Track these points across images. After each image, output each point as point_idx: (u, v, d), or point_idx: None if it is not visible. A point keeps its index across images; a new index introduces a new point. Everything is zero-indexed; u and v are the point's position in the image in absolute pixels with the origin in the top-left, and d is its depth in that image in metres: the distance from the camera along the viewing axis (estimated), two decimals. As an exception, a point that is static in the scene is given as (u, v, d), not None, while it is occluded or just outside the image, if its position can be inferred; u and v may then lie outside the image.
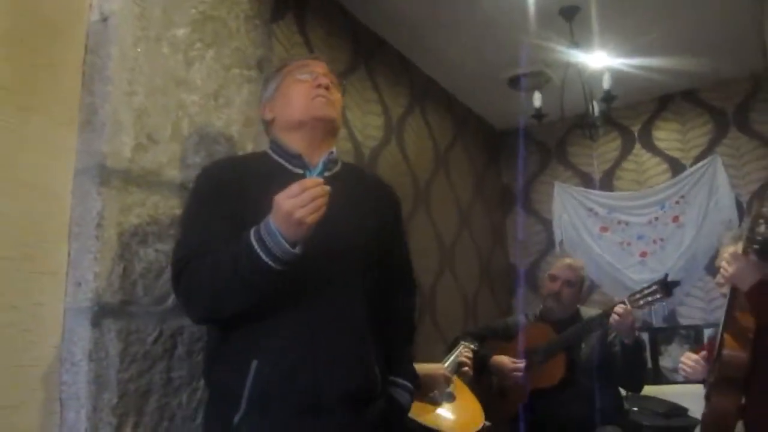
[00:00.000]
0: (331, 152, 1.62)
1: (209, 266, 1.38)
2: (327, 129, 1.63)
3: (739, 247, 2.13)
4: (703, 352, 2.38)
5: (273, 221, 1.29)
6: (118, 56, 1.72)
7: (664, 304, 3.08)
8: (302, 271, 1.38)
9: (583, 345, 2.82)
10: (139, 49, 1.78)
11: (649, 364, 4.30)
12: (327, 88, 1.63)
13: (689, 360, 2.37)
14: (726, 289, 2.23)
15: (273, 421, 1.39)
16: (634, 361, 2.69)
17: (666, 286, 2.60)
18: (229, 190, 1.49)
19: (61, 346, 1.56)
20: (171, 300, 1.71)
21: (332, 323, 1.45)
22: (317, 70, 1.67)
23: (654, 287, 2.61)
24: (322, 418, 1.39)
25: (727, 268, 2.11)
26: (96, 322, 1.54)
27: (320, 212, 1.29)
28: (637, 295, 2.65)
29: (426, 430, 2.13)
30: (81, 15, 1.77)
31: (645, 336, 4.29)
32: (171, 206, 1.78)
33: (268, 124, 1.72)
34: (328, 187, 1.31)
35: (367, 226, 1.58)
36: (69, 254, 1.61)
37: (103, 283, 1.56)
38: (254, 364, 1.38)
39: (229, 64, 2.08)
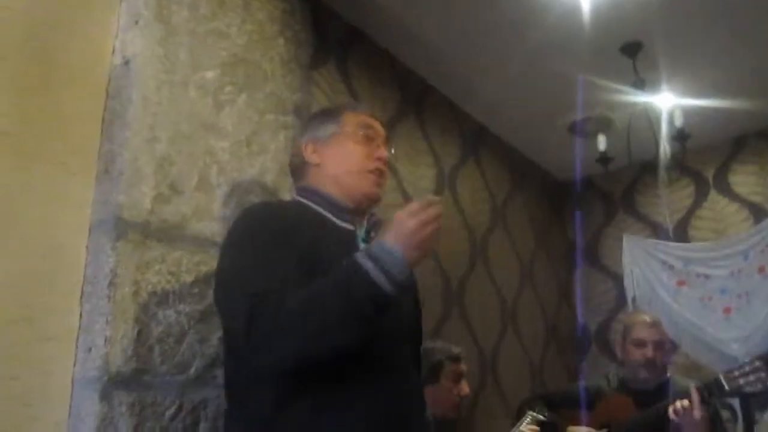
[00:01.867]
0: (372, 214, 1.49)
1: (303, 301, 1.16)
2: (370, 204, 1.51)
3: None
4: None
5: (391, 240, 1.15)
6: (139, 100, 1.60)
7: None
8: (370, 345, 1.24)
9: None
10: (162, 93, 1.65)
11: (742, 434, 3.86)
12: (384, 163, 1.51)
13: None
14: None
15: None
16: None
17: None
18: (286, 233, 1.29)
19: (68, 422, 1.37)
20: (194, 369, 1.52)
21: (404, 405, 1.31)
22: (379, 134, 1.53)
23: (758, 364, 2.16)
24: None
25: None
26: (105, 394, 1.35)
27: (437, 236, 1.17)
28: (736, 373, 2.18)
29: None
30: (103, 60, 1.66)
31: (735, 402, 3.86)
32: (196, 262, 1.60)
33: (307, 166, 1.52)
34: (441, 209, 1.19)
35: (411, 297, 1.46)
36: (81, 317, 1.45)
37: (114, 349, 1.38)
38: None
39: (263, 108, 1.93)
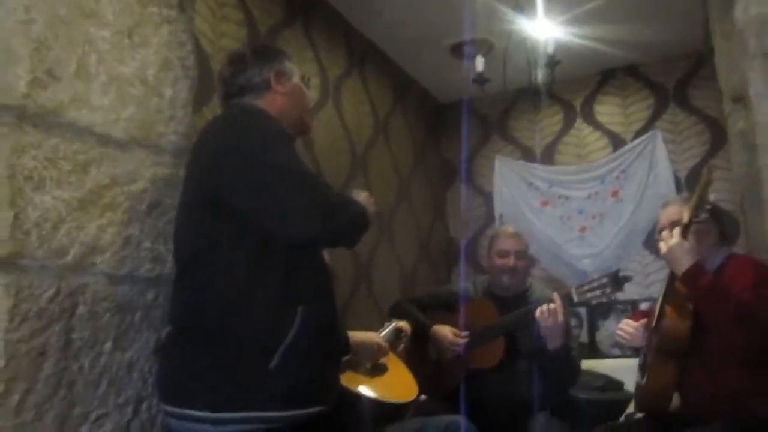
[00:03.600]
0: None
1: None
2: (303, 136, 2.02)
3: (684, 215, 2.06)
4: (643, 320, 2.32)
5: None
6: (13, -22, 1.52)
7: (613, 298, 2.82)
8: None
9: (526, 329, 2.67)
10: (38, -28, 1.57)
11: (586, 339, 4.30)
12: None
13: (628, 327, 2.31)
14: None
15: (312, 368, 1.48)
16: (559, 368, 2.50)
17: (617, 281, 2.41)
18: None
19: (-61, 303, 1.37)
20: (71, 255, 1.53)
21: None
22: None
23: (604, 280, 2.43)
24: (336, 364, 1.66)
25: (663, 246, 2.06)
26: (-21, 276, 1.35)
27: None
28: (586, 287, 2.46)
29: (355, 397, 2.01)
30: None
31: (582, 311, 4.28)
32: (74, 151, 1.59)
33: (266, 91, 1.73)
34: None
35: None
36: (-48, 199, 1.42)
37: (-12, 232, 1.37)
38: (299, 310, 1.44)
39: (146, 0, 1.89)
